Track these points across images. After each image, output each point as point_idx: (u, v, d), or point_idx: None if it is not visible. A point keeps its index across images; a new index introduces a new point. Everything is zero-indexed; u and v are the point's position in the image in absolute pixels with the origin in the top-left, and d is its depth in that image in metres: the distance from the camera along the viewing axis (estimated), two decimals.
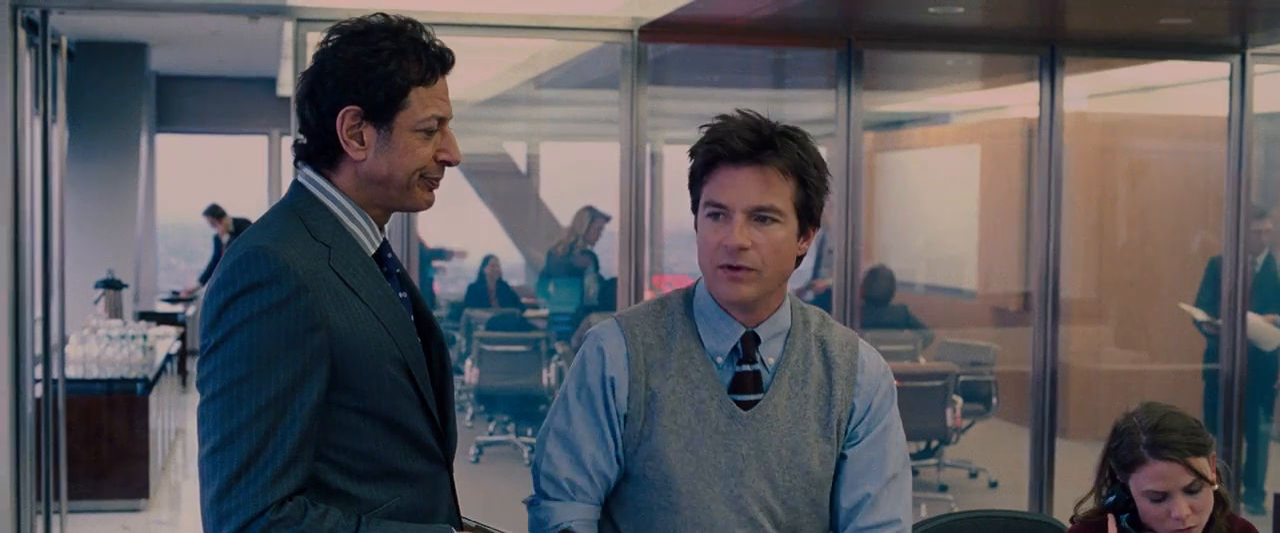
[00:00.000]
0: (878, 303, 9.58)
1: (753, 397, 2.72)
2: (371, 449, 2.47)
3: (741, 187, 2.62)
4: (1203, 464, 3.23)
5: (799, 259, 2.74)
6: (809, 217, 2.67)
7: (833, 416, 2.74)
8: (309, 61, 2.55)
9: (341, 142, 2.48)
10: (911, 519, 2.81)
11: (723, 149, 2.64)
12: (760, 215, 2.62)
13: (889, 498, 2.75)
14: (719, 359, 2.74)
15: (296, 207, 2.51)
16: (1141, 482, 3.24)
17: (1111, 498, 3.34)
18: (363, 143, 2.48)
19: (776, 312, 2.75)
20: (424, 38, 2.52)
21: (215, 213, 14.72)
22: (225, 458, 2.32)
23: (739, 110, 2.69)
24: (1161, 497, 3.22)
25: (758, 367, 2.73)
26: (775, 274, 2.67)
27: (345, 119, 2.46)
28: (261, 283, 2.34)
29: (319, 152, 2.51)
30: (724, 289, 2.67)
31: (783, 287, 2.75)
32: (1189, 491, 3.22)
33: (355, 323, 2.42)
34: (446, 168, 2.58)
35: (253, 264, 2.36)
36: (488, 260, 10.97)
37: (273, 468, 2.31)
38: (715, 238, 2.65)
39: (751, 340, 2.74)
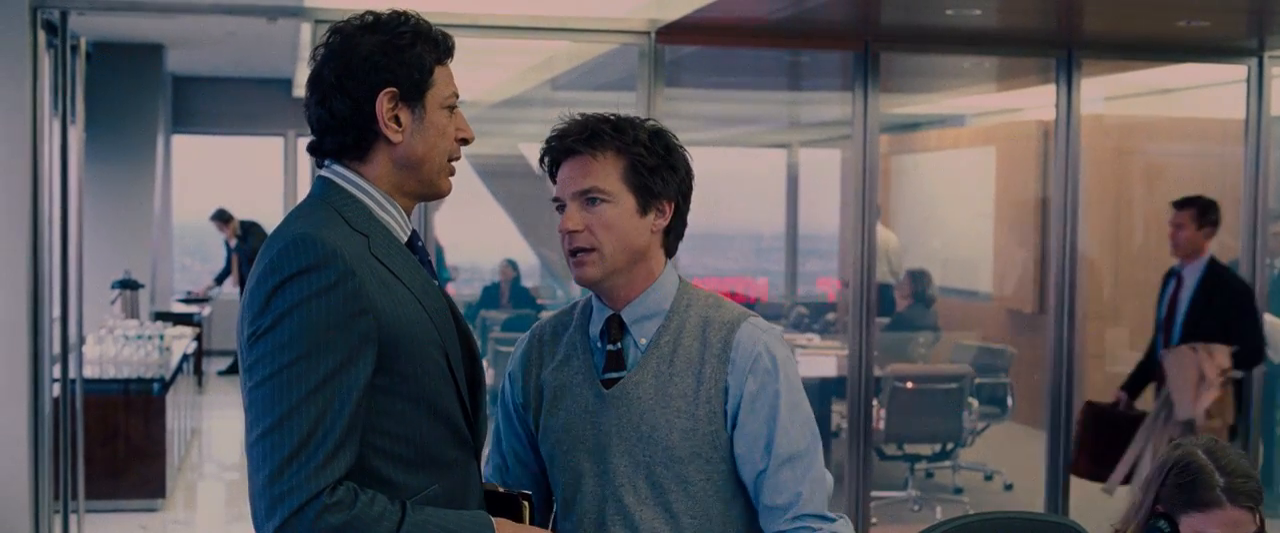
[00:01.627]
0: (925, 304, 9.60)
1: (617, 375, 2.81)
2: (415, 435, 2.50)
3: (569, 177, 2.79)
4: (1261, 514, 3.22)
5: (670, 237, 2.85)
6: (649, 193, 2.77)
7: (701, 393, 2.76)
8: (313, 63, 2.59)
9: (381, 125, 2.52)
10: (819, 502, 2.77)
11: (550, 149, 2.83)
12: (588, 198, 2.76)
13: (787, 478, 2.74)
14: (598, 344, 2.86)
15: (329, 199, 2.55)
16: (1206, 524, 3.18)
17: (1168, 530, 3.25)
18: (400, 125, 2.54)
19: (645, 294, 2.83)
20: (426, 22, 2.61)
21: (222, 217, 14.73)
22: (277, 441, 2.34)
23: (581, 113, 2.87)
24: None
25: (618, 347, 2.82)
26: (617, 250, 2.77)
27: (383, 102, 2.52)
28: (309, 268, 2.38)
29: (355, 142, 2.55)
30: (573, 273, 2.81)
31: (644, 267, 2.82)
32: None
33: (400, 308, 2.47)
34: (462, 149, 2.66)
35: (300, 250, 2.40)
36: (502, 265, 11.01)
37: (324, 451, 2.34)
38: (560, 229, 2.81)
39: (615, 322, 2.84)
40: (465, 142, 2.64)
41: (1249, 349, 6.95)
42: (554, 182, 2.84)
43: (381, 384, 2.44)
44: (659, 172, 2.77)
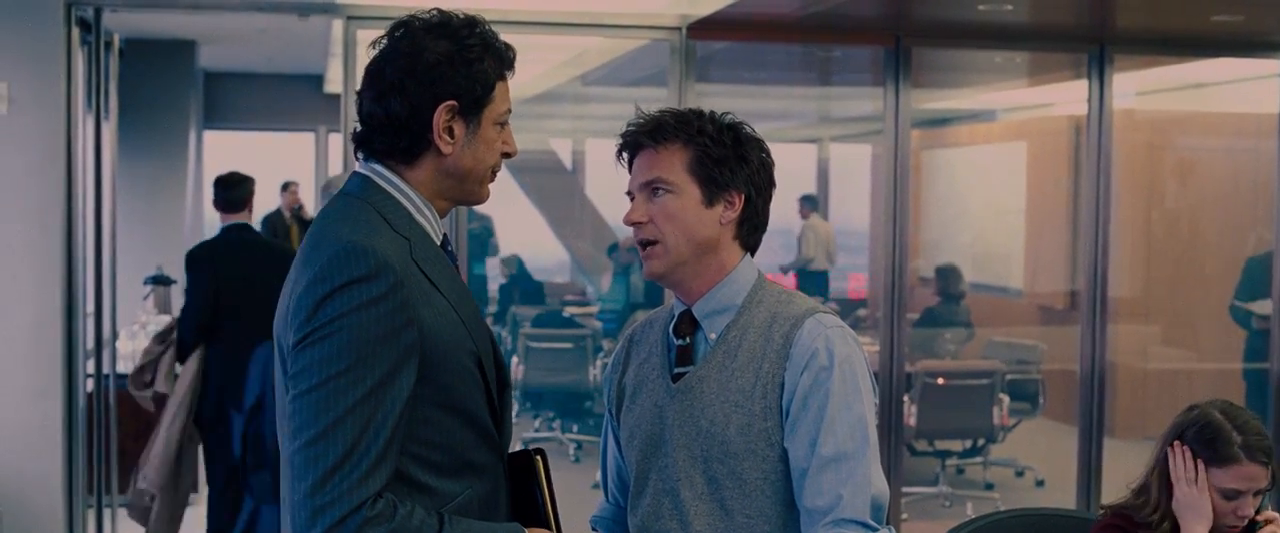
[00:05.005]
0: (954, 300, 9.57)
1: (685, 370, 2.78)
2: (451, 442, 2.50)
3: (637, 169, 2.79)
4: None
5: (744, 230, 2.80)
6: (716, 184, 2.74)
7: (758, 387, 2.70)
8: (373, 56, 2.55)
9: (435, 135, 2.50)
10: (860, 507, 2.64)
11: (622, 145, 2.82)
12: (653, 190, 2.74)
13: (830, 480, 2.64)
14: (672, 340, 2.83)
15: (369, 199, 2.53)
16: (1224, 480, 3.36)
17: None
18: (453, 137, 2.52)
19: (717, 288, 2.78)
20: (493, 33, 2.58)
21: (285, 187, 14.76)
22: (321, 451, 2.33)
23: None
24: (1236, 495, 3.37)
25: (687, 341, 2.79)
26: (681, 242, 2.74)
27: (442, 114, 2.49)
28: (361, 278, 2.36)
29: (408, 147, 2.52)
30: (643, 266, 2.80)
31: (715, 260, 2.78)
32: (1257, 492, 3.39)
33: (439, 317, 2.45)
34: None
35: (351, 259, 2.38)
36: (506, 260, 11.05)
37: (367, 462, 2.33)
38: (624, 221, 2.81)
39: (686, 317, 2.81)
40: (509, 155, 2.62)
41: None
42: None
43: (420, 393, 2.43)
44: (726, 163, 2.73)
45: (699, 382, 2.75)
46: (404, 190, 2.54)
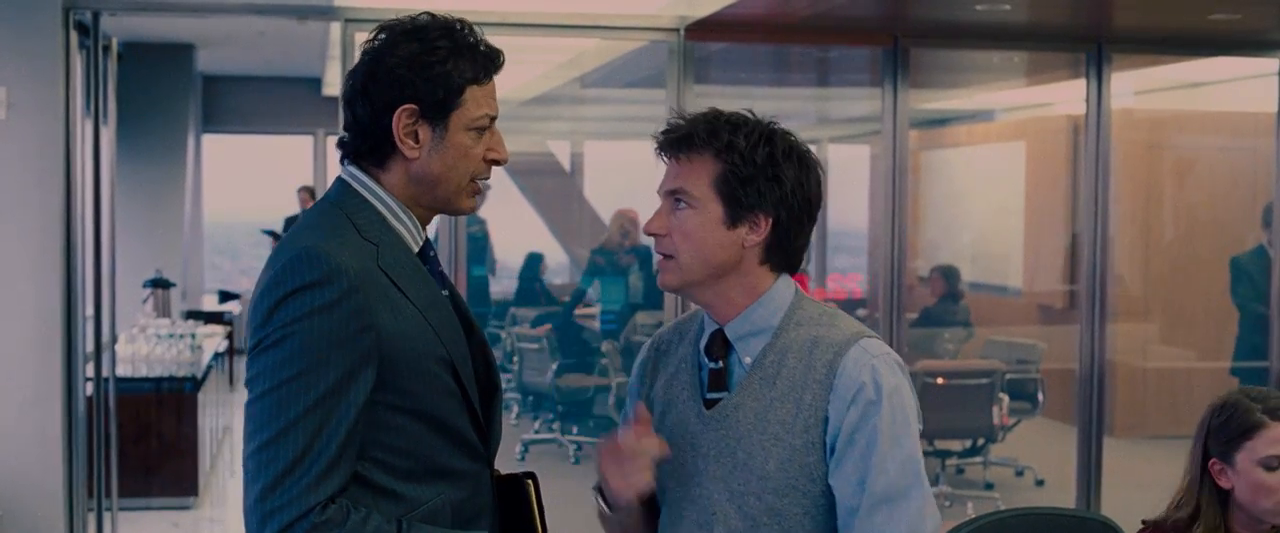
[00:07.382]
0: (954, 300, 9.58)
1: (719, 396, 2.63)
2: (417, 448, 2.48)
3: (665, 176, 2.63)
4: None
5: (771, 253, 2.62)
6: (739, 204, 2.56)
7: (800, 420, 2.54)
8: (357, 59, 2.56)
9: (397, 140, 2.49)
10: None
11: (657, 146, 2.65)
12: (676, 200, 2.59)
13: (882, 521, 2.50)
14: (703, 361, 2.68)
15: (343, 204, 2.52)
16: (1259, 449, 3.26)
17: None
18: (417, 141, 2.50)
19: (750, 310, 2.62)
20: (475, 37, 2.55)
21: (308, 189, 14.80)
22: (272, 456, 2.34)
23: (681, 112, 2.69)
24: (1277, 464, 3.26)
25: (720, 365, 2.64)
26: (695, 261, 2.58)
27: (401, 117, 2.48)
28: (313, 283, 2.36)
29: (372, 149, 2.52)
30: (657, 278, 2.67)
31: (738, 282, 2.62)
32: None
33: (402, 323, 2.43)
34: (494, 167, 2.61)
35: (305, 265, 2.37)
36: (539, 260, 11.03)
37: (318, 468, 2.33)
38: (645, 229, 2.67)
39: (719, 339, 2.65)
40: (497, 162, 2.59)
41: None
42: None
43: (380, 399, 2.42)
44: (754, 182, 2.55)
45: (734, 410, 2.60)
46: (378, 194, 2.53)
